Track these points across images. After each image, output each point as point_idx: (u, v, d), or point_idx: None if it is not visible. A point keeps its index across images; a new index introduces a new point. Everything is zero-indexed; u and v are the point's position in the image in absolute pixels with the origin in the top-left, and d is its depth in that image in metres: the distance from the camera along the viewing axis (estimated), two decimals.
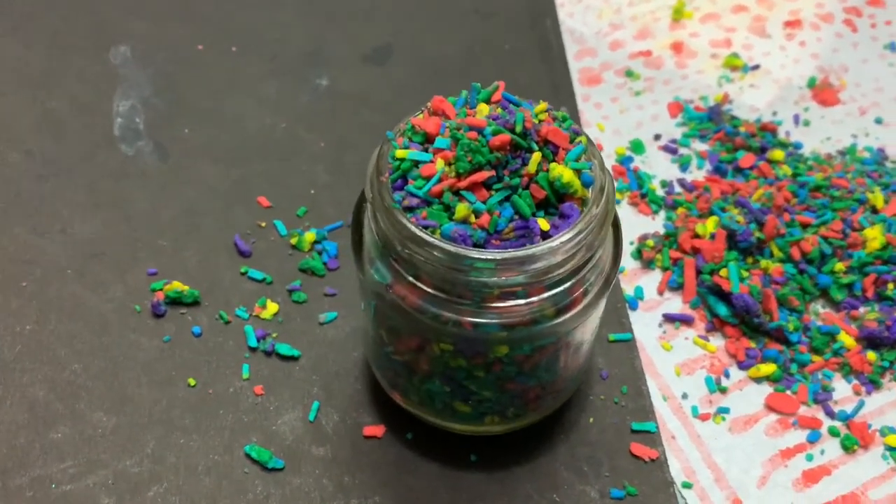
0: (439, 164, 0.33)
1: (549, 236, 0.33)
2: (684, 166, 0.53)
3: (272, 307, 0.45)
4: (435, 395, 0.39)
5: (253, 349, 0.44)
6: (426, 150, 0.34)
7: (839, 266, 0.46)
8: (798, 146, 0.54)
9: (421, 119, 0.35)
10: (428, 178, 0.33)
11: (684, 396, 0.44)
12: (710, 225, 0.48)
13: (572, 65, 0.58)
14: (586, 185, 0.34)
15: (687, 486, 0.41)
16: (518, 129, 0.33)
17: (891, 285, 0.46)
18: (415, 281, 0.34)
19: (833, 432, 0.42)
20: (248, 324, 0.45)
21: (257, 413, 0.42)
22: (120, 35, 0.57)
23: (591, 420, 0.43)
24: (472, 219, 0.33)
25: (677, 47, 0.59)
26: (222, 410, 0.42)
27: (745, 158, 0.52)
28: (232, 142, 0.53)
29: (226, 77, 0.56)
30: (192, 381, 0.43)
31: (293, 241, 0.48)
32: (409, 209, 0.33)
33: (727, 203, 0.49)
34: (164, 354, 0.44)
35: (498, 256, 0.32)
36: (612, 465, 0.41)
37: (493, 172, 0.33)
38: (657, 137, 0.54)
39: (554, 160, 0.34)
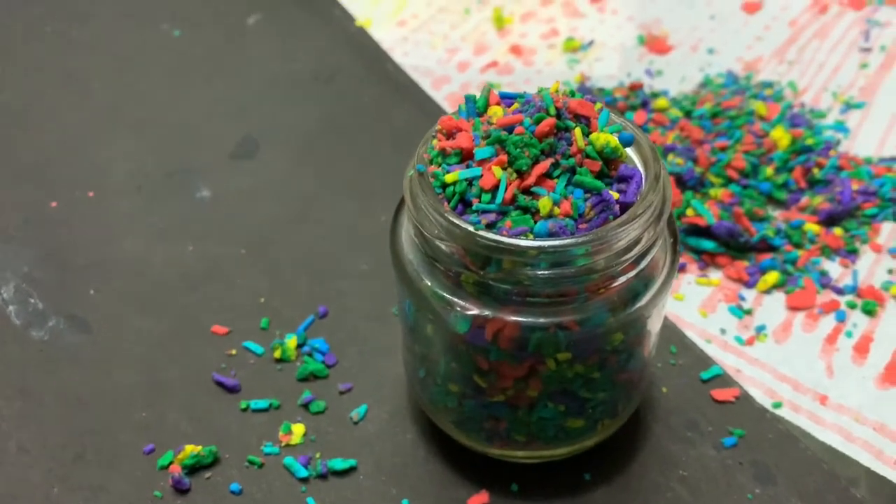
0: (497, 171, 0.31)
1: (624, 203, 0.32)
2: None
3: (298, 429, 0.39)
4: (547, 422, 0.36)
5: (305, 479, 0.38)
6: (468, 167, 0.32)
7: (769, 171, 0.50)
8: (665, 93, 0.57)
9: (444, 142, 0.33)
10: (492, 190, 0.31)
11: (723, 332, 0.44)
12: None
13: (435, 95, 0.58)
14: (626, 144, 0.33)
15: (777, 405, 0.41)
16: (552, 111, 0.32)
17: (815, 169, 0.51)
18: (516, 298, 0.31)
19: (851, 305, 0.45)
20: (285, 456, 0.39)
21: None
22: None
23: (664, 390, 0.42)
24: (556, 210, 0.31)
25: (516, 50, 0.61)
26: None
27: (637, 116, 0.54)
28: (147, 284, 0.46)
29: (99, 224, 0.48)
30: None
31: (276, 354, 0.42)
32: (491, 225, 0.31)
33: None
34: None
35: (601, 234, 0.30)
36: (708, 419, 0.40)
37: (551, 160, 0.31)
38: None
39: (590, 131, 0.33)
